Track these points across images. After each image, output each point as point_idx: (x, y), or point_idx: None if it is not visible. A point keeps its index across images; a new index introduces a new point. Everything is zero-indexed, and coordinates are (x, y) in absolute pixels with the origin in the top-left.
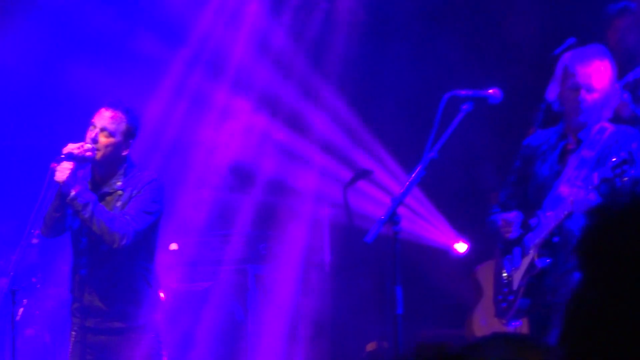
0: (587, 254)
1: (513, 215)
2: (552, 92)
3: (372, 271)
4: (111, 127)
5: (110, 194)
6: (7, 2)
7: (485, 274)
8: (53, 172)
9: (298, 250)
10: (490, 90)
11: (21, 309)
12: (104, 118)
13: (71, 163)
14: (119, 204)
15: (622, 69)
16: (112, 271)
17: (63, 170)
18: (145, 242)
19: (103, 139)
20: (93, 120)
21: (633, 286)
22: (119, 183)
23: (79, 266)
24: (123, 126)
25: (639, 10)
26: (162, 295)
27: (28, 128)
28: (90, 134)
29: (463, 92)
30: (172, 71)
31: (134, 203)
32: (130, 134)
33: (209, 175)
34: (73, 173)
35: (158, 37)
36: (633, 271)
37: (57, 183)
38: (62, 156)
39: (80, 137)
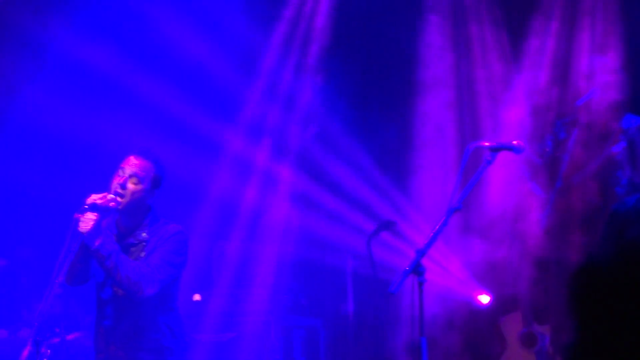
0: (580, 300)
1: None
2: None
3: (396, 322)
4: (140, 174)
5: (135, 244)
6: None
7: (508, 325)
8: (77, 222)
9: (322, 302)
10: (515, 142)
11: None
12: (134, 165)
13: (95, 214)
14: (143, 254)
15: None
16: (135, 322)
17: (87, 221)
18: (167, 293)
19: (131, 186)
20: (122, 166)
21: (626, 326)
22: (144, 234)
23: (103, 316)
24: (151, 175)
25: None
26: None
27: (53, 178)
28: (119, 179)
29: (487, 144)
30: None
31: (158, 254)
32: (157, 184)
33: (233, 228)
34: (97, 224)
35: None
36: (625, 313)
37: (81, 234)
38: (86, 207)
39: (104, 188)
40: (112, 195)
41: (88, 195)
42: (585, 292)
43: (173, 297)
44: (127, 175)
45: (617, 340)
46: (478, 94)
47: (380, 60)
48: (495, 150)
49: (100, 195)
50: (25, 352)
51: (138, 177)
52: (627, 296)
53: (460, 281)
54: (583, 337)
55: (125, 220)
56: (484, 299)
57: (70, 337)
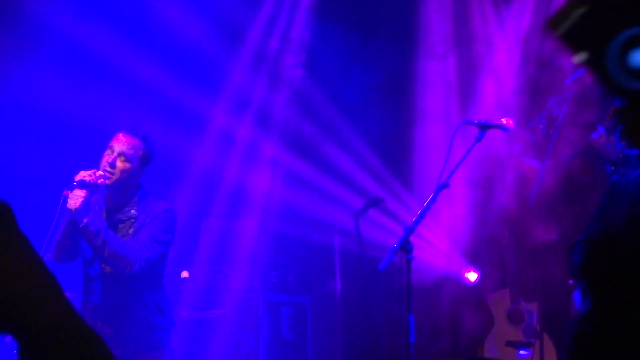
0: (593, 276)
1: None
2: None
3: (384, 299)
4: (129, 152)
5: (123, 221)
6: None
7: (496, 302)
8: (65, 199)
9: (310, 278)
10: (504, 120)
11: None
12: (122, 143)
13: (83, 190)
14: (131, 231)
15: None
16: (123, 298)
17: (75, 198)
18: (155, 270)
19: (120, 164)
20: (111, 144)
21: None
22: (133, 211)
23: (90, 292)
24: (140, 152)
25: None
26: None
27: (42, 155)
28: (108, 158)
29: (476, 121)
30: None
31: (146, 231)
32: (145, 161)
33: (219, 204)
34: (85, 200)
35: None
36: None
37: (70, 210)
38: (75, 183)
39: (94, 165)
40: (100, 172)
41: (77, 172)
42: (601, 263)
43: (160, 274)
44: (115, 153)
45: (633, 311)
46: (476, 57)
47: (375, 20)
48: (484, 128)
49: (89, 172)
50: None
51: (126, 156)
52: None
53: (449, 258)
54: (596, 308)
55: (114, 197)
56: (472, 276)
57: None
